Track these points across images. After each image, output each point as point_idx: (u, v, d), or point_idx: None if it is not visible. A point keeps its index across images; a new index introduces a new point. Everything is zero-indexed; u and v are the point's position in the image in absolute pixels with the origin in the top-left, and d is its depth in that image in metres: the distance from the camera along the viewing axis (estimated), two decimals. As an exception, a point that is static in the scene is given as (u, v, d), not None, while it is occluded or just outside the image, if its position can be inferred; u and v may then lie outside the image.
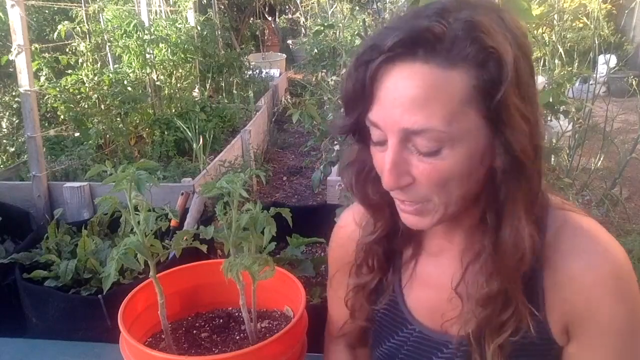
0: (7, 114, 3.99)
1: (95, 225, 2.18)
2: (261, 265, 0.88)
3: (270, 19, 10.20)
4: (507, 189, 0.66)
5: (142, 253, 0.85)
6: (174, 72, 4.36)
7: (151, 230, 0.86)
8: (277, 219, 0.92)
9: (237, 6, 8.60)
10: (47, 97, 3.22)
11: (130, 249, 0.84)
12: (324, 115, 2.54)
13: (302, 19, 8.70)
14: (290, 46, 9.88)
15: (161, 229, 0.91)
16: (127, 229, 0.89)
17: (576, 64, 3.08)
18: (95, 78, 3.43)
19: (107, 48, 3.81)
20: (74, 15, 3.76)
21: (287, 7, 10.61)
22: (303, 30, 8.93)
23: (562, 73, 2.59)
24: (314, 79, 5.08)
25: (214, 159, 3.38)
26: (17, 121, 3.90)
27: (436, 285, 0.80)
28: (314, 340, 1.00)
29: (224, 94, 5.29)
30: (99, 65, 3.64)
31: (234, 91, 5.32)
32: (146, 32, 3.91)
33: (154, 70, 4.09)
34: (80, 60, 3.47)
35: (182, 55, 4.32)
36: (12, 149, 3.68)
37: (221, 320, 1.06)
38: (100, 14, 3.72)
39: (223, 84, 5.38)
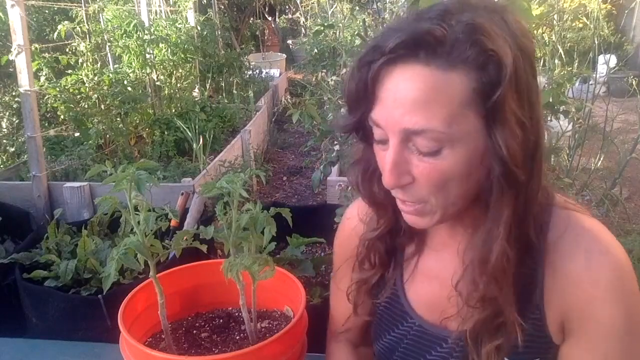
0: (7, 114, 3.99)
1: (95, 225, 2.18)
2: (261, 265, 0.88)
3: (270, 19, 10.21)
4: (495, 193, 0.66)
5: (142, 253, 0.85)
6: (174, 72, 4.36)
7: (151, 230, 0.86)
8: (277, 219, 0.92)
9: (237, 6, 8.60)
10: (47, 97, 3.22)
11: (130, 249, 0.84)
12: (324, 115, 2.54)
13: (302, 19, 8.69)
14: (290, 46, 9.88)
15: (161, 229, 0.91)
16: (127, 229, 0.89)
17: (576, 64, 3.08)
18: (95, 78, 3.43)
19: (107, 48, 3.81)
20: (74, 15, 3.76)
21: (287, 7, 10.61)
22: (303, 30, 8.92)
23: (562, 73, 2.59)
24: (314, 79, 5.07)
25: (214, 159, 3.38)
26: (17, 121, 3.90)
27: (437, 280, 0.81)
28: (314, 340, 1.00)
29: (224, 94, 5.29)
30: (99, 65, 3.64)
31: (234, 91, 5.32)
32: (146, 32, 3.91)
33: (154, 70, 4.09)
34: (80, 60, 3.47)
35: (182, 55, 4.32)
36: (12, 149, 3.68)
37: (221, 320, 1.06)
38: (100, 14, 3.72)
39: (223, 84, 5.38)
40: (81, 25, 3.51)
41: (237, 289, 0.92)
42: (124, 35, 3.82)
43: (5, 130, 3.93)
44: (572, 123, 2.42)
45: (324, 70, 4.56)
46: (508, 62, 0.61)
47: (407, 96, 0.63)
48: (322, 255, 2.20)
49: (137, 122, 3.84)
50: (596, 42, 2.75)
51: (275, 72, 7.27)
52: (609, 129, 2.67)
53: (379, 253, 0.84)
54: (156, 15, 4.63)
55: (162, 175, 3.04)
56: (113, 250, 0.85)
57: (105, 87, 3.48)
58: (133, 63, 3.89)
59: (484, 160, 0.65)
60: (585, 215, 0.74)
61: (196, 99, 4.59)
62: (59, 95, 3.22)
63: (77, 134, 3.49)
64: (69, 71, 3.43)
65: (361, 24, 3.24)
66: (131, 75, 3.88)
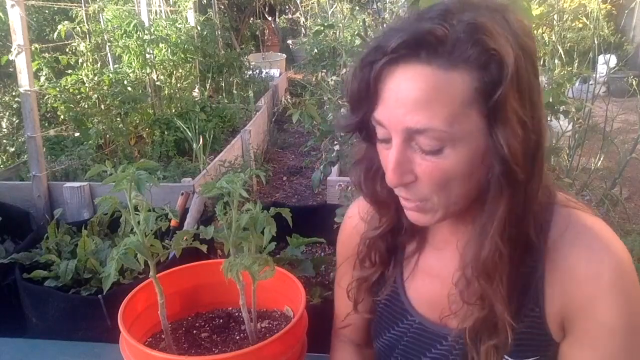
0: (7, 114, 3.99)
1: (95, 225, 2.18)
2: (261, 265, 0.88)
3: (270, 19, 10.20)
4: (493, 190, 0.66)
5: (142, 253, 0.85)
6: (174, 72, 4.36)
7: (151, 230, 0.86)
8: (277, 219, 0.92)
9: (237, 6, 8.60)
10: (47, 97, 3.22)
11: (130, 249, 0.84)
12: (324, 115, 2.54)
13: (302, 19, 8.69)
14: (290, 46, 9.88)
15: (161, 229, 0.91)
16: (127, 229, 0.89)
17: (576, 64, 3.08)
18: (95, 78, 3.43)
19: (107, 48, 3.81)
20: (74, 15, 3.76)
21: (287, 7, 10.61)
22: (303, 30, 8.91)
23: (562, 73, 2.59)
24: (314, 79, 5.07)
25: (214, 159, 3.38)
26: (17, 121, 3.90)
27: (438, 278, 0.81)
28: (314, 340, 1.00)
29: (224, 94, 5.29)
30: (99, 65, 3.64)
31: (234, 91, 5.32)
32: (146, 32, 3.91)
33: (154, 70, 4.09)
34: (80, 60, 3.47)
35: (182, 55, 4.32)
36: (12, 149, 3.68)
37: (221, 320, 1.06)
38: (100, 14, 3.72)
39: (223, 84, 5.38)
40: (81, 25, 3.51)
41: (237, 289, 0.92)
42: (124, 35, 3.82)
43: (5, 130, 3.93)
44: (572, 123, 2.42)
45: (324, 70, 4.56)
46: (510, 62, 0.61)
47: (409, 96, 0.63)
48: (322, 255, 2.20)
49: (137, 122, 3.84)
50: (596, 42, 2.75)
51: (275, 72, 7.28)
52: (609, 129, 2.66)
53: (380, 251, 0.85)
54: (156, 15, 4.63)
55: (162, 175, 3.04)
56: (113, 250, 0.84)
57: (105, 87, 3.48)
58: (133, 63, 3.89)
59: (485, 159, 0.66)
60: (587, 213, 0.74)
61: (196, 99, 4.59)
62: (59, 95, 3.22)
63: (77, 134, 3.49)
64: (69, 71, 3.43)
65: (361, 24, 3.24)
66: (131, 75, 3.88)
